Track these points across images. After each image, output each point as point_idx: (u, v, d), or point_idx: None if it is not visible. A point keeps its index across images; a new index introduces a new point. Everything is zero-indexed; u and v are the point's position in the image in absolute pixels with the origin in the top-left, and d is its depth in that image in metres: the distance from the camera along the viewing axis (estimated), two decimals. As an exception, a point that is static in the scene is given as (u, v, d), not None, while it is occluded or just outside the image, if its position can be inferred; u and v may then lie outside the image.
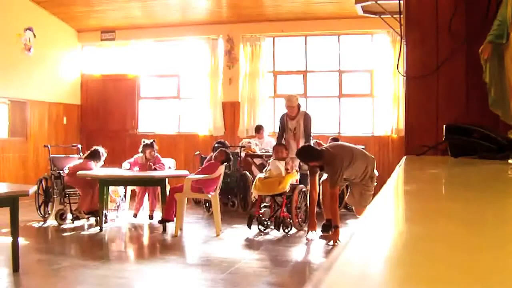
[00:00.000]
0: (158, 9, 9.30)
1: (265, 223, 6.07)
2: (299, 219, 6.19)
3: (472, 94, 3.06)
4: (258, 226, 6.02)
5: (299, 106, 6.76)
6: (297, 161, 6.18)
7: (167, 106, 10.32)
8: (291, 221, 6.00)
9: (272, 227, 6.05)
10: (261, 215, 6.09)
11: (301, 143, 6.51)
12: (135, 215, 6.96)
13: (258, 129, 8.67)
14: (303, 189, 6.29)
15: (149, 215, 6.90)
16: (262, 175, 6.20)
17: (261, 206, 6.19)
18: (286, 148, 6.40)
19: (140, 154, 6.92)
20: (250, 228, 5.99)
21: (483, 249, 0.63)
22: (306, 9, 8.82)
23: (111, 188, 6.85)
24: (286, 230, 5.94)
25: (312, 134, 6.88)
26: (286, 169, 6.07)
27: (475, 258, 0.58)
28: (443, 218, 0.91)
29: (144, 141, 6.95)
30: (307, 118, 6.72)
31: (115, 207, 7.12)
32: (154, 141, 6.95)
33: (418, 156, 2.80)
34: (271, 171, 6.12)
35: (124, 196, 7.19)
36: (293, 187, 6.14)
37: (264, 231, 6.01)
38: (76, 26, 10.23)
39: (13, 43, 8.79)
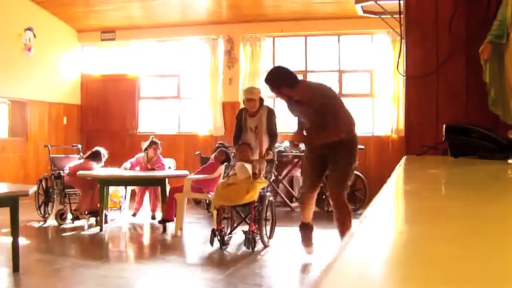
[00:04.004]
0: (158, 9, 9.29)
1: (225, 239, 5.18)
2: (266, 234, 5.28)
3: (472, 94, 3.06)
4: (220, 243, 5.12)
5: (261, 101, 5.65)
6: (264, 165, 5.32)
7: (167, 106, 10.32)
8: (258, 236, 5.14)
9: (230, 242, 5.28)
10: (222, 230, 5.16)
11: (265, 144, 5.48)
12: (134, 215, 6.98)
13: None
14: (270, 199, 5.46)
15: (151, 216, 6.90)
16: (223, 180, 5.29)
17: (223, 218, 5.28)
18: (251, 148, 5.41)
19: (142, 154, 6.92)
20: (212, 245, 5.11)
21: (483, 249, 0.64)
22: (306, 9, 8.82)
23: (111, 188, 6.84)
24: (253, 247, 5.05)
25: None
26: (254, 173, 5.12)
27: (475, 258, 0.59)
28: (443, 218, 0.91)
29: (152, 137, 6.98)
30: (271, 115, 5.59)
31: (120, 205, 7.13)
32: (161, 142, 7.02)
33: (418, 156, 2.80)
34: (236, 176, 5.15)
35: (124, 196, 7.19)
36: (260, 196, 5.22)
37: (224, 249, 5.14)
38: (76, 26, 10.22)
39: (13, 43, 8.79)
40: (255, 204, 5.11)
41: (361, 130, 9.08)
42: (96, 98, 10.41)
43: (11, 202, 4.18)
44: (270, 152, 5.39)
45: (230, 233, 5.34)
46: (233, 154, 5.51)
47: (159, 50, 10.25)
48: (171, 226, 6.09)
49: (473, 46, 2.81)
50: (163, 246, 5.66)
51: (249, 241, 4.99)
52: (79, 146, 7.71)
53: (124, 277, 4.30)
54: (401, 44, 3.64)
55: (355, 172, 7.70)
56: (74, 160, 7.05)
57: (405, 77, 3.31)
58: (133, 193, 7.26)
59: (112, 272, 4.40)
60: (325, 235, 5.40)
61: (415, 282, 0.50)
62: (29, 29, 9.03)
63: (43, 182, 6.90)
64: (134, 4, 9.08)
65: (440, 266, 0.55)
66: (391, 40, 8.56)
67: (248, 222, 5.15)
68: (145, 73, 10.30)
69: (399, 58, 3.91)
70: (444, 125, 2.69)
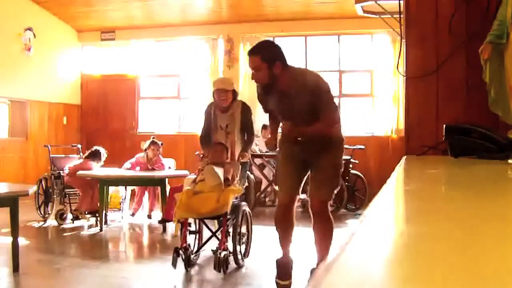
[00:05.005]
0: (158, 9, 9.30)
1: (192, 258, 4.33)
2: (241, 252, 4.45)
3: (472, 94, 3.06)
4: (185, 264, 4.20)
5: (234, 94, 4.73)
6: (238, 169, 4.51)
7: (167, 106, 10.33)
8: (231, 254, 4.27)
9: (199, 261, 4.54)
10: (187, 248, 4.25)
11: (238, 146, 4.65)
12: (132, 214, 6.98)
13: (265, 127, 8.62)
14: (246, 210, 4.63)
15: (148, 215, 6.91)
16: (190, 187, 4.38)
17: (188, 233, 4.38)
18: (227, 149, 4.54)
19: (142, 154, 6.93)
20: (175, 266, 4.13)
21: (483, 249, 0.64)
22: (306, 9, 8.83)
23: (111, 189, 6.84)
24: (224, 270, 4.13)
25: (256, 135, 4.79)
26: (226, 180, 4.28)
27: (475, 258, 0.59)
28: (443, 218, 0.91)
29: (153, 138, 6.98)
30: (246, 111, 4.71)
31: (121, 206, 7.13)
32: (162, 143, 7.02)
33: (418, 156, 2.80)
34: (204, 182, 4.27)
35: (124, 196, 7.19)
36: (233, 206, 4.34)
37: (189, 269, 4.29)
38: (76, 26, 10.23)
39: (13, 43, 8.79)
40: (228, 216, 4.24)
41: (361, 130, 9.12)
42: (96, 98, 10.41)
43: (11, 202, 4.18)
44: (246, 154, 4.62)
45: (198, 251, 4.51)
46: (201, 155, 4.67)
47: (159, 50, 10.25)
48: (171, 226, 6.08)
49: (473, 46, 2.81)
50: (163, 246, 5.66)
51: (220, 261, 4.04)
52: (79, 146, 7.71)
53: (124, 277, 4.30)
54: (401, 44, 3.64)
55: (355, 172, 7.83)
56: (74, 160, 7.05)
57: (405, 77, 3.31)
58: (133, 193, 7.26)
59: (112, 272, 4.40)
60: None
61: (416, 282, 0.50)
62: (29, 29, 9.03)
63: (43, 182, 6.90)
64: (134, 4, 9.08)
65: (440, 266, 0.55)
66: (391, 40, 8.56)
67: (219, 237, 4.32)
68: (145, 73, 10.30)
69: (399, 58, 3.90)
70: (444, 125, 2.70)
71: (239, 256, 4.38)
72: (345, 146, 8.02)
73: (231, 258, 4.29)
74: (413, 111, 3.24)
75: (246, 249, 4.66)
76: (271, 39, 9.52)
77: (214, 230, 4.55)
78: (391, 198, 1.27)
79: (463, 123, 2.74)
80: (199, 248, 4.54)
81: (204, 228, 4.64)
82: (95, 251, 5.33)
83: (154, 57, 10.24)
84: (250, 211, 4.73)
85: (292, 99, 3.45)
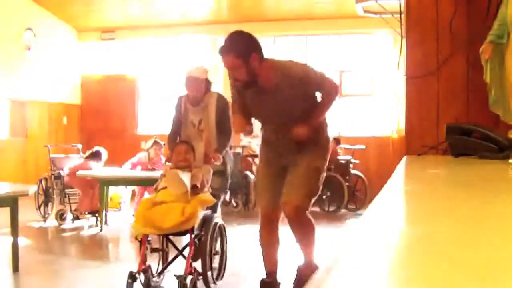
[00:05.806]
0: (158, 8, 9.30)
1: (153, 281, 3.59)
2: (213, 273, 3.68)
3: (472, 94, 3.06)
4: None
5: (208, 84, 4.12)
6: (209, 174, 3.74)
7: (167, 106, 10.32)
8: (200, 278, 3.53)
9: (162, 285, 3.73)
10: (147, 270, 3.48)
11: (213, 145, 3.88)
12: (134, 215, 6.98)
13: None
14: (219, 223, 3.80)
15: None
16: (149, 197, 3.85)
17: (149, 251, 3.62)
18: (194, 149, 3.78)
19: (143, 154, 6.93)
20: None
21: (484, 248, 0.63)
22: (306, 9, 8.83)
23: (112, 189, 6.83)
24: None
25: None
26: (194, 187, 3.50)
27: (476, 257, 0.58)
28: (444, 217, 0.90)
29: (155, 138, 6.99)
30: (222, 104, 4.03)
31: (120, 206, 7.12)
32: (164, 143, 7.04)
33: (419, 156, 2.80)
34: (166, 190, 3.51)
35: (125, 197, 7.19)
36: (203, 220, 3.59)
37: None
38: (76, 26, 10.22)
39: (13, 43, 8.79)
40: (196, 232, 3.48)
41: (361, 130, 9.11)
42: (96, 98, 10.41)
43: (11, 202, 4.18)
44: (219, 155, 3.78)
45: (162, 272, 3.74)
46: (166, 158, 3.99)
47: (159, 50, 10.24)
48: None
49: (473, 46, 2.82)
50: (163, 246, 5.65)
51: None
52: (79, 146, 7.71)
53: (124, 277, 4.29)
54: (401, 44, 3.64)
55: (355, 172, 7.83)
56: (74, 160, 7.04)
57: (405, 77, 3.31)
58: (133, 193, 7.26)
59: (112, 272, 4.40)
60: (325, 235, 5.40)
61: (417, 282, 0.50)
62: (29, 29, 9.03)
63: (43, 182, 6.90)
64: (134, 3, 9.09)
65: (440, 265, 0.55)
66: (392, 40, 8.56)
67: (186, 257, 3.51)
68: (145, 73, 10.30)
69: (399, 58, 3.90)
70: (445, 125, 2.70)
71: (210, 280, 3.60)
72: (346, 146, 7.99)
73: (201, 282, 3.57)
74: (414, 111, 3.24)
75: (219, 271, 3.86)
76: (271, 39, 9.54)
77: (181, 248, 3.77)
78: (391, 198, 1.27)
79: (464, 123, 2.74)
80: (163, 269, 3.77)
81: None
82: (95, 251, 5.34)
83: (154, 57, 10.24)
84: (224, 224, 3.91)
85: (278, 94, 3.04)
